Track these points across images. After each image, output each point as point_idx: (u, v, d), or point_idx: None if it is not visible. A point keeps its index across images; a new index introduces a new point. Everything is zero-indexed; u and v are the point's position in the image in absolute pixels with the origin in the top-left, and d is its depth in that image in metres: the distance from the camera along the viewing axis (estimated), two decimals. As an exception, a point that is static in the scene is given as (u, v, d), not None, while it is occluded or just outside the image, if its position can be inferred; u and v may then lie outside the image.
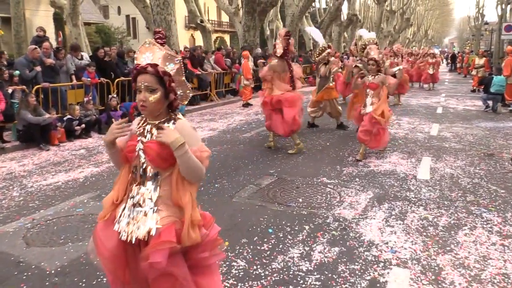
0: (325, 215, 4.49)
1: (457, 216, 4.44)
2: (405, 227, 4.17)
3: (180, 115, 2.27)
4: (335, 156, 6.98)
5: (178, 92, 2.25)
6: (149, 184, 2.22)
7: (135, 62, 2.20)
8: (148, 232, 2.15)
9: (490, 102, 12.47)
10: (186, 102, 2.35)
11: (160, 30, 2.27)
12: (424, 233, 4.03)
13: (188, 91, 2.31)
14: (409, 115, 11.58)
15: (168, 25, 15.30)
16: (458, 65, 32.78)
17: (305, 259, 3.56)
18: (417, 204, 4.80)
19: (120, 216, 2.26)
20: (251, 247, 3.77)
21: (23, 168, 6.62)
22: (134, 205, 2.23)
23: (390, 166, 6.38)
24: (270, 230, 4.11)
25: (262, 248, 3.76)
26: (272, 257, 3.60)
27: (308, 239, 3.93)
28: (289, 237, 3.98)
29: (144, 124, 2.28)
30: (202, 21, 26.02)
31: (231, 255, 3.62)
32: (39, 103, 8.97)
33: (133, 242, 2.17)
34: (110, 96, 10.42)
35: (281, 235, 4.01)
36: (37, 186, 5.71)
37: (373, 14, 51.02)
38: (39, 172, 6.42)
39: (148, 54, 2.16)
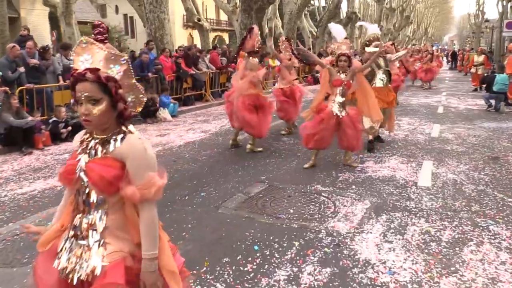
0: (317, 229, 4.11)
1: (461, 230, 4.06)
2: (405, 243, 3.79)
3: (132, 128, 1.89)
4: (331, 161, 6.60)
5: (129, 99, 1.87)
6: (94, 213, 1.84)
7: (73, 66, 1.82)
8: (92, 271, 1.77)
9: (492, 101, 12.08)
10: (139, 109, 1.97)
11: (100, 23, 1.88)
12: (426, 250, 3.65)
13: (141, 96, 1.93)
14: (409, 115, 11.19)
15: (162, 23, 14.91)
16: (459, 63, 32.38)
17: (293, 282, 3.18)
18: (418, 215, 4.42)
19: (61, 250, 1.88)
20: (234, 267, 3.39)
21: (0, 175, 6.24)
22: (76, 237, 1.85)
23: (389, 172, 6.00)
24: (256, 247, 3.73)
25: (246, 269, 3.38)
26: (256, 280, 3.22)
27: (297, 257, 3.55)
28: (276, 255, 3.59)
29: (89, 139, 1.90)
30: (199, 20, 25.64)
31: (210, 277, 3.24)
32: (24, 105, 8.60)
33: (74, 283, 1.79)
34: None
35: (267, 253, 3.63)
36: (11, 195, 5.33)
37: (373, 11, 50.58)
38: (16, 179, 6.04)
39: (86, 56, 1.77)
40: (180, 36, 43.77)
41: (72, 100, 9.35)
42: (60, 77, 9.71)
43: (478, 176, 5.77)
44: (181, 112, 12.47)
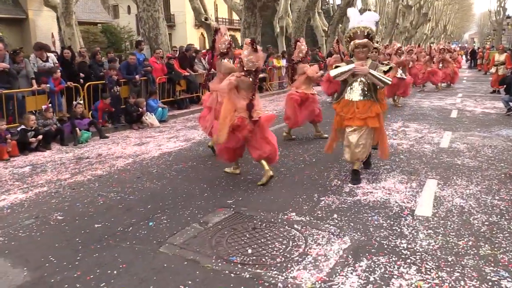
0: (273, 281, 3.16)
1: (464, 285, 3.06)
2: (385, 307, 2.82)
3: None
4: (317, 179, 5.62)
5: None
6: None
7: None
8: None
9: (513, 105, 10.91)
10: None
11: None
12: (412, 321, 2.68)
13: None
14: (418, 120, 10.12)
15: (156, 22, 14.11)
16: (479, 61, 30.85)
17: None
18: (408, 261, 3.43)
19: None
20: None
21: None
22: None
23: (383, 195, 5.00)
24: (183, 312, 2.81)
25: None
26: None
27: (234, 331, 2.62)
28: (206, 326, 2.67)
29: None
30: (206, 19, 24.89)
31: None
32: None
33: None
34: (75, 102, 9.26)
35: (196, 322, 2.71)
36: None
37: (390, 9, 49.08)
38: (-47, 199, 5.26)
39: None
40: (191, 36, 43.20)
41: (44, 106, 8.59)
42: (34, 81, 8.95)
43: (492, 202, 4.72)
44: (172, 116, 11.65)
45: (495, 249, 3.60)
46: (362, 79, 5.28)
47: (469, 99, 14.30)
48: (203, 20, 25.09)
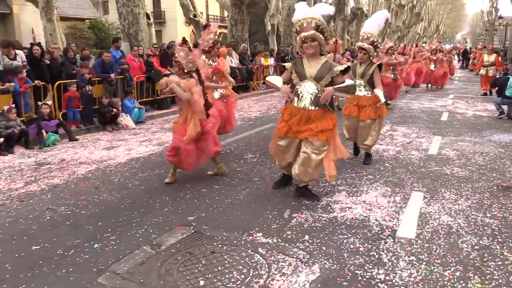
0: (222, 326, 2.64)
1: (449, 332, 2.56)
2: None
3: None
4: (291, 191, 5.09)
5: None
6: None
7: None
8: None
9: (505, 108, 10.47)
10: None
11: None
12: None
13: None
14: (407, 124, 9.64)
15: (136, 18, 13.54)
16: (470, 61, 30.54)
17: None
18: (385, 298, 2.92)
19: None
20: None
21: None
22: None
23: (363, 211, 4.49)
24: None
25: None
26: None
27: None
28: None
29: None
30: (195, 16, 24.30)
31: None
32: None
33: None
34: (40, 103, 8.66)
35: None
36: None
37: (382, 8, 48.74)
38: None
39: None
40: (182, 33, 42.52)
41: (6, 107, 7.98)
42: (-3, 80, 8.34)
43: (483, 220, 4.23)
44: (151, 117, 11.09)
45: (486, 282, 3.10)
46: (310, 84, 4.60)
47: (461, 100, 13.88)
48: (191, 17, 24.52)
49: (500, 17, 43.06)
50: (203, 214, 4.45)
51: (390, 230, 4.01)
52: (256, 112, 11.78)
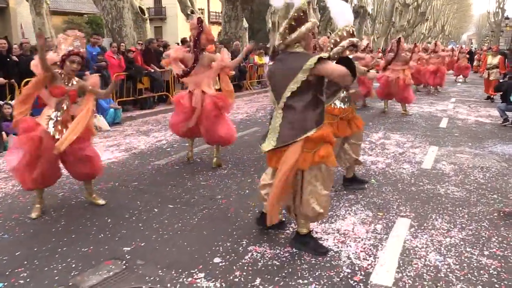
0: None
1: None
2: None
3: None
4: (256, 213, 4.34)
5: None
6: None
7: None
8: None
9: (510, 114, 9.69)
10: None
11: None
12: None
13: None
14: (402, 130, 8.87)
15: (120, 13, 12.84)
16: (475, 63, 29.62)
17: None
18: None
19: None
20: None
21: None
22: None
23: (335, 243, 3.73)
24: None
25: None
26: None
27: None
28: None
29: None
30: (193, 12, 23.56)
31: None
32: None
33: None
34: (1, 102, 7.95)
35: None
36: None
37: (387, 7, 47.74)
38: None
39: None
40: (183, 29, 41.77)
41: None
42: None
43: (479, 261, 3.47)
44: (130, 118, 10.37)
45: None
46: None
47: (463, 105, 13.07)
48: (189, 13, 23.81)
49: (507, 18, 42.13)
50: (142, 244, 3.71)
51: (363, 273, 3.25)
52: (243, 114, 11.05)
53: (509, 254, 3.57)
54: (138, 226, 4.08)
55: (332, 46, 4.58)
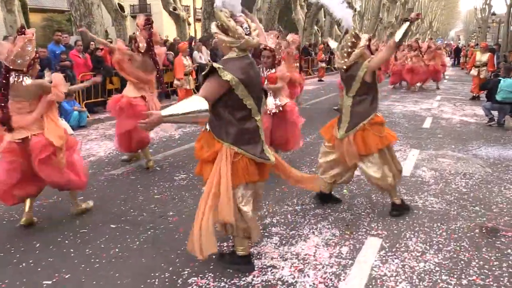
0: None
1: None
2: None
3: None
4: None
5: None
6: None
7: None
8: None
9: (495, 114, 9.27)
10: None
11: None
12: None
13: None
14: (383, 132, 8.37)
15: (89, 9, 12.21)
16: (462, 59, 29.38)
17: None
18: None
19: None
20: None
21: None
22: None
23: (291, 272, 3.22)
24: None
25: None
26: None
27: None
28: None
29: None
30: (175, 9, 22.94)
31: None
32: None
33: None
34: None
35: None
36: None
37: (374, 4, 47.41)
38: None
39: None
40: (168, 26, 41.02)
41: None
42: None
43: (455, 292, 2.99)
44: (98, 120, 9.81)
45: None
46: None
47: (448, 103, 12.66)
48: (171, 10, 23.19)
49: (493, 14, 41.95)
50: (67, 276, 3.17)
51: (319, 312, 2.75)
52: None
53: (490, 283, 3.09)
54: (68, 252, 3.54)
55: (349, 48, 4.21)
